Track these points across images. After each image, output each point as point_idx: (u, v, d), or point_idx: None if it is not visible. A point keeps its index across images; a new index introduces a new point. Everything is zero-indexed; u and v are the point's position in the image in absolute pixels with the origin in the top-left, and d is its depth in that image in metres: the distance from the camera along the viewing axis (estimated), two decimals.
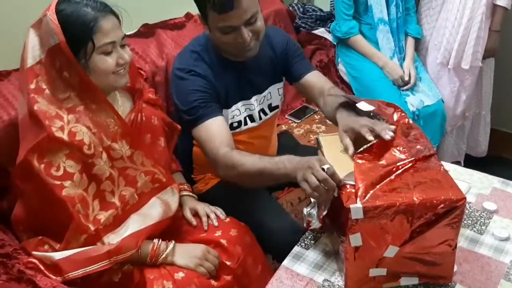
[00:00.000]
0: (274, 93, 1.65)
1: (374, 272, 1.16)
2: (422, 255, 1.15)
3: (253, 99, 1.59)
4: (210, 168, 1.64)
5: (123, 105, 1.38)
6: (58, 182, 1.17)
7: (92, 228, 1.22)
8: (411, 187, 1.12)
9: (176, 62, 1.55)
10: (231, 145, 1.41)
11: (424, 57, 2.47)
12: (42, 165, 1.17)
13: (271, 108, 1.67)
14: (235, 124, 1.58)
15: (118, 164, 1.28)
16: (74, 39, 1.18)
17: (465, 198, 1.11)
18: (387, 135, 1.22)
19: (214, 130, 1.42)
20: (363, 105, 1.32)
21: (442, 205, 1.09)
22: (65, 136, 1.18)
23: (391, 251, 1.13)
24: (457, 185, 1.15)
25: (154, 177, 1.36)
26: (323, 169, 1.12)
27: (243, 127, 1.60)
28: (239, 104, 1.57)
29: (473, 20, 2.22)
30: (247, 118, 1.61)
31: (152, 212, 1.33)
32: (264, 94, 1.62)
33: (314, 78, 1.62)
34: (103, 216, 1.24)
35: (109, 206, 1.26)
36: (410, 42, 2.40)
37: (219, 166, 1.39)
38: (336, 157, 1.28)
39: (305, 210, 1.28)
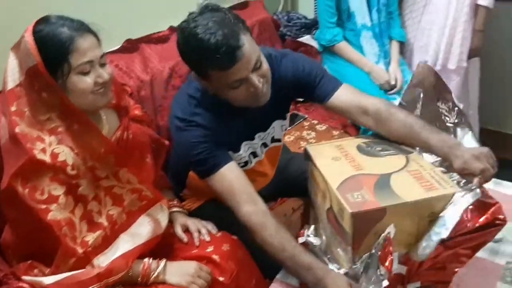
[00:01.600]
0: (278, 128, 1.57)
1: None
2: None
3: (256, 137, 1.51)
4: (204, 194, 1.62)
5: (108, 123, 1.36)
6: (44, 206, 1.15)
7: (81, 250, 1.19)
8: None
9: (174, 109, 1.43)
10: (250, 197, 1.31)
11: (409, 59, 2.48)
12: (26, 190, 1.14)
13: (273, 140, 1.59)
14: (242, 165, 1.51)
15: (103, 183, 1.26)
16: (50, 60, 1.16)
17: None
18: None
19: (229, 182, 1.33)
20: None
21: None
22: (47, 158, 1.16)
23: None
24: None
25: (141, 194, 1.33)
26: None
27: (249, 166, 1.54)
28: (242, 145, 1.48)
29: (458, 21, 2.24)
30: (251, 156, 1.54)
31: (142, 230, 1.31)
32: (268, 131, 1.54)
33: (341, 98, 1.41)
34: (91, 238, 1.21)
35: (97, 227, 1.24)
36: (395, 46, 2.41)
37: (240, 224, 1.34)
38: (329, 166, 1.27)
39: None
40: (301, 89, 1.46)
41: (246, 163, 1.52)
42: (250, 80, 1.24)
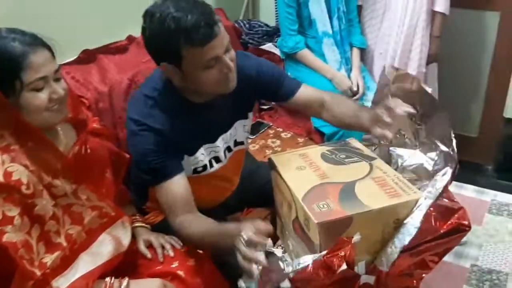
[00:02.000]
0: (240, 129, 1.56)
1: None
2: None
3: (219, 141, 1.49)
4: None
5: (65, 138, 1.30)
6: None
7: (39, 273, 1.13)
8: None
9: (129, 109, 1.41)
10: (186, 206, 1.37)
11: (370, 66, 2.51)
12: None
13: (236, 143, 1.58)
14: (200, 169, 1.49)
15: (61, 201, 1.20)
16: (1, 77, 1.10)
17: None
18: (401, 110, 1.28)
19: (172, 194, 1.37)
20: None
21: None
22: (0, 178, 1.09)
23: None
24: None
25: (102, 211, 1.28)
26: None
27: (209, 170, 1.51)
28: (202, 149, 1.46)
29: (415, 27, 2.28)
30: (212, 161, 1.51)
31: (102, 249, 1.25)
32: (230, 131, 1.52)
33: (307, 93, 1.55)
34: (49, 259, 1.15)
35: (55, 247, 1.17)
36: (356, 52, 2.43)
37: (176, 234, 1.43)
38: (294, 176, 1.26)
39: (242, 284, 1.14)
40: (265, 88, 1.52)
41: (204, 167, 1.49)
42: (223, 60, 1.27)
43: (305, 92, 1.55)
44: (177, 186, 1.37)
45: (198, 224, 1.35)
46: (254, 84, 1.48)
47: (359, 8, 2.48)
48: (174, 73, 1.31)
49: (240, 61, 1.41)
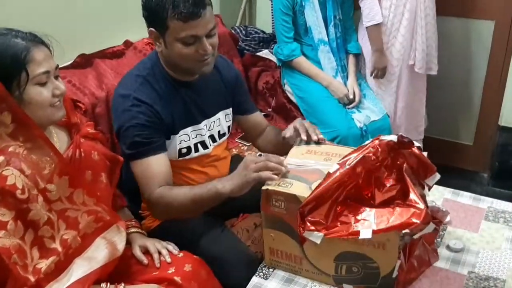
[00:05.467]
0: (223, 119, 1.63)
1: None
2: None
3: (203, 124, 1.56)
4: None
5: (59, 141, 1.29)
6: None
7: (33, 279, 1.11)
8: None
9: (119, 87, 1.49)
10: (165, 182, 1.42)
11: (364, 73, 2.51)
12: None
13: (220, 136, 1.63)
14: (184, 151, 1.53)
15: (56, 206, 1.18)
16: (5, 71, 1.11)
17: None
18: (315, 136, 1.41)
19: (153, 169, 1.42)
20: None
21: None
22: None
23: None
24: None
25: (97, 216, 1.27)
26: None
27: (193, 154, 1.55)
28: (189, 130, 1.52)
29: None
30: (198, 145, 1.56)
31: (97, 254, 1.24)
32: (213, 119, 1.59)
33: (259, 118, 1.75)
34: (44, 265, 1.13)
35: (50, 253, 1.16)
36: (352, 60, 2.44)
37: (154, 209, 1.47)
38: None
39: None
40: (235, 95, 1.66)
41: (189, 149, 1.54)
42: (202, 41, 1.37)
43: (258, 117, 1.74)
44: (159, 162, 1.42)
45: (177, 190, 1.39)
46: (232, 85, 1.64)
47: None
48: (158, 41, 1.41)
49: (221, 60, 1.62)
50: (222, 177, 1.36)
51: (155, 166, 1.41)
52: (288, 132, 1.48)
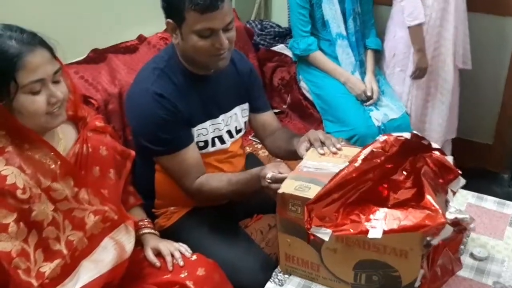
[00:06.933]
0: (239, 114, 1.59)
1: None
2: None
3: (220, 118, 1.53)
4: (174, 198, 1.55)
5: (65, 137, 1.24)
6: None
7: (36, 283, 1.08)
8: None
9: (136, 80, 1.47)
10: (201, 171, 1.45)
11: (384, 70, 2.44)
12: None
13: (237, 131, 1.60)
14: (201, 144, 1.50)
15: (62, 206, 1.14)
16: None
17: None
18: (334, 148, 1.33)
19: (187, 162, 1.43)
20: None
21: None
22: None
23: None
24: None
25: (104, 216, 1.22)
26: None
27: (210, 149, 1.52)
28: (207, 123, 1.50)
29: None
30: (215, 139, 1.53)
31: (105, 257, 1.20)
32: (230, 114, 1.56)
33: (271, 118, 1.68)
34: (48, 268, 1.10)
35: (55, 255, 1.12)
36: (370, 55, 2.37)
37: (195, 198, 1.50)
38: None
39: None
40: (249, 90, 1.61)
41: (206, 143, 1.51)
42: (219, 35, 1.33)
43: (269, 116, 1.68)
44: (191, 154, 1.43)
45: (217, 178, 1.45)
46: (247, 79, 1.60)
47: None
48: (174, 32, 1.38)
49: (236, 55, 1.58)
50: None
51: (189, 159, 1.43)
52: (302, 149, 1.38)
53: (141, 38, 2.04)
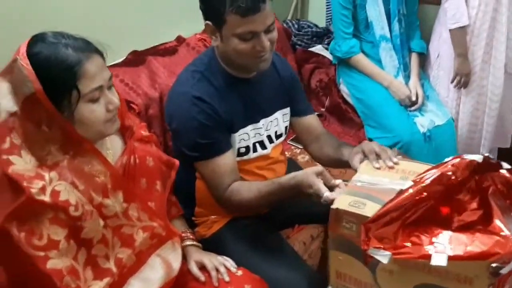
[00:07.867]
0: (280, 119, 1.54)
1: None
2: None
3: (261, 123, 1.48)
4: (215, 207, 1.50)
5: (113, 147, 1.21)
6: (42, 253, 0.99)
7: None
8: None
9: (175, 83, 1.44)
10: (234, 179, 1.40)
11: (429, 73, 2.34)
12: (23, 234, 0.98)
13: (277, 136, 1.55)
14: (242, 150, 1.46)
15: (111, 222, 1.11)
16: (54, 88, 1.00)
17: None
18: (390, 162, 1.25)
19: (221, 169, 1.39)
20: None
21: None
22: (47, 198, 1.00)
23: None
24: None
25: (153, 232, 1.18)
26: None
27: (252, 154, 1.48)
28: (248, 128, 1.45)
29: None
30: (257, 145, 1.49)
31: (153, 276, 1.16)
32: (270, 118, 1.51)
33: (315, 121, 1.62)
34: (97, 287, 1.06)
35: (104, 273, 1.08)
36: (415, 58, 2.28)
37: (225, 206, 1.44)
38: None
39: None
40: (290, 93, 1.56)
41: (247, 148, 1.47)
42: (260, 37, 1.30)
43: (313, 119, 1.62)
44: (227, 161, 1.39)
45: (246, 188, 1.38)
46: (289, 82, 1.56)
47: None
48: (214, 34, 1.34)
49: (276, 57, 1.54)
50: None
51: (223, 166, 1.39)
52: (356, 162, 1.32)
53: (179, 39, 2.00)
